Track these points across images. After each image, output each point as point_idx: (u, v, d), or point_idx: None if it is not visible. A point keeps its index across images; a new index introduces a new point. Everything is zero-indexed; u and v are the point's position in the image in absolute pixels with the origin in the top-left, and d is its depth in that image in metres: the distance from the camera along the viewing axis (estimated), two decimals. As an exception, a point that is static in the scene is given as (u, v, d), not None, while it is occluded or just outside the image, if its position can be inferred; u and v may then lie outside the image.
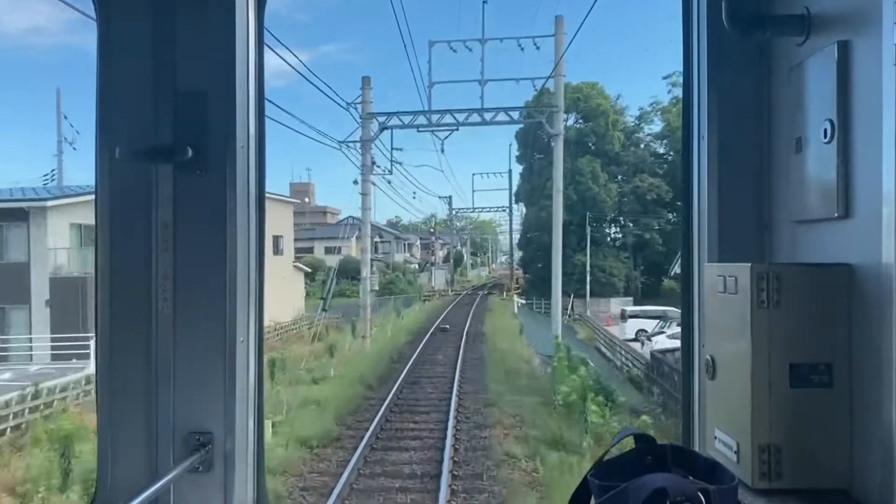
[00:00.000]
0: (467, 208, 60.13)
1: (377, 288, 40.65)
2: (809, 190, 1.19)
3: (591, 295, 40.48)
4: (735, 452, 1.11)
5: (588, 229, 41.78)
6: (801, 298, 1.05)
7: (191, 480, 1.28)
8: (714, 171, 1.37)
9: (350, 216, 64.30)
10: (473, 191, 61.46)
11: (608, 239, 46.95)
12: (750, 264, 1.09)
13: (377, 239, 62.96)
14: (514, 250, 61.75)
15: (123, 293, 1.31)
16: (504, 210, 57.37)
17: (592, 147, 49.48)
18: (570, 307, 43.01)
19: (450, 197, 57.76)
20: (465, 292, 48.70)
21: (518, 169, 59.54)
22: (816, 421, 1.06)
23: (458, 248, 74.98)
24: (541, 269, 54.21)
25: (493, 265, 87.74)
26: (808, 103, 1.19)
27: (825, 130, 1.11)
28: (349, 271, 47.27)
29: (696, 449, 1.32)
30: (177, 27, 1.30)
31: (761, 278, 1.04)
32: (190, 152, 1.26)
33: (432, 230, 51.86)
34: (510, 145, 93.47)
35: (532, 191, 52.52)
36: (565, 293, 48.08)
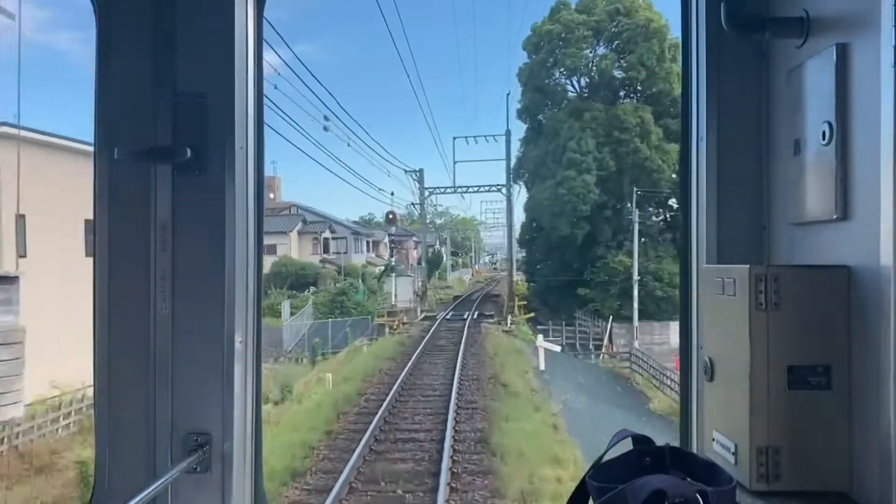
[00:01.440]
0: (445, 188, 56.64)
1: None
2: (808, 192, 1.77)
3: (641, 317, 37.35)
4: (733, 454, 1.65)
5: (635, 214, 38.80)
6: (800, 300, 1.58)
7: (189, 481, 1.90)
8: (713, 172, 2.03)
9: (293, 204, 60.08)
10: (455, 162, 61.31)
11: (664, 229, 43.68)
12: (748, 266, 1.63)
13: (328, 235, 59.45)
14: (509, 249, 57.51)
15: (122, 293, 1.94)
16: (498, 189, 54.38)
17: (638, 88, 46.12)
18: (607, 336, 37.63)
19: (420, 171, 52.44)
20: (442, 315, 43.52)
21: (519, 133, 54.37)
22: (815, 423, 1.56)
23: (437, 247, 78.80)
24: (553, 273, 47.55)
25: (477, 266, 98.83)
26: (807, 105, 1.78)
27: (824, 132, 1.66)
28: (286, 278, 44.05)
29: (695, 450, 1.94)
30: (176, 28, 1.93)
31: (760, 280, 1.57)
32: (189, 153, 1.87)
33: (392, 215, 48.49)
34: (508, 94, 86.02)
35: (543, 158, 49.04)
36: (598, 313, 44.54)
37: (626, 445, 1.51)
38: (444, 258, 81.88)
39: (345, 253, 59.28)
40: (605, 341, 37.25)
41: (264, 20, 2.06)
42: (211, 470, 1.91)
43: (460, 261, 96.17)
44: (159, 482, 1.78)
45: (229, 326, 1.93)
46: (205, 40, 1.93)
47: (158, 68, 1.92)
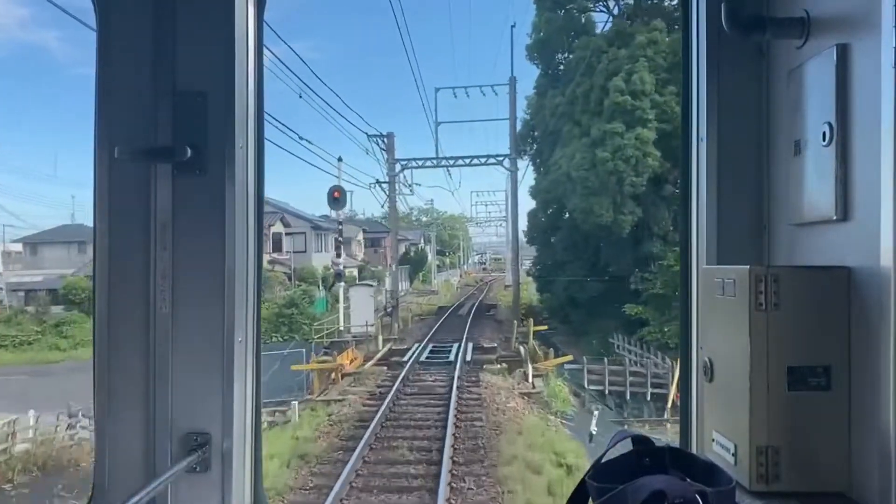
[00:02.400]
0: (424, 160, 50.70)
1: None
2: (808, 192, 2.26)
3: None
4: (733, 455, 2.16)
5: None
6: (800, 301, 2.08)
7: (188, 481, 2.43)
8: (713, 173, 2.54)
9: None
10: (437, 123, 55.37)
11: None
12: (748, 267, 2.11)
13: (279, 229, 59.18)
14: (514, 242, 53.34)
15: (122, 293, 2.45)
16: (499, 162, 48.87)
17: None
18: (675, 381, 29.02)
19: (388, 136, 48.53)
20: (416, 350, 35.08)
21: (528, 84, 50.37)
22: (814, 424, 2.06)
23: (422, 245, 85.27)
24: (581, 279, 40.84)
25: (465, 267, 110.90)
26: (807, 106, 2.26)
27: (824, 133, 2.16)
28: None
29: (694, 451, 2.46)
30: (176, 27, 2.41)
31: (760, 281, 2.09)
32: (189, 152, 2.39)
33: (336, 193, 43.81)
34: (512, 26, 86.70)
35: (569, 109, 43.19)
36: (651, 343, 34.49)
37: (626, 446, 1.92)
38: (429, 258, 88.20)
39: (302, 252, 59.63)
40: (673, 389, 30.95)
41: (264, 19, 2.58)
42: (210, 469, 2.48)
43: (447, 261, 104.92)
44: (159, 481, 2.30)
45: (229, 326, 2.48)
46: (205, 39, 2.47)
47: (158, 68, 2.46)
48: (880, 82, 1.93)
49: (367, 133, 48.25)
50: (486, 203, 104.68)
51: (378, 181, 49.84)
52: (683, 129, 2.84)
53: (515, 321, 41.83)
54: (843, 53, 2.20)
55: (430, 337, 40.30)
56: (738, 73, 2.66)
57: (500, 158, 49.25)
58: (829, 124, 2.23)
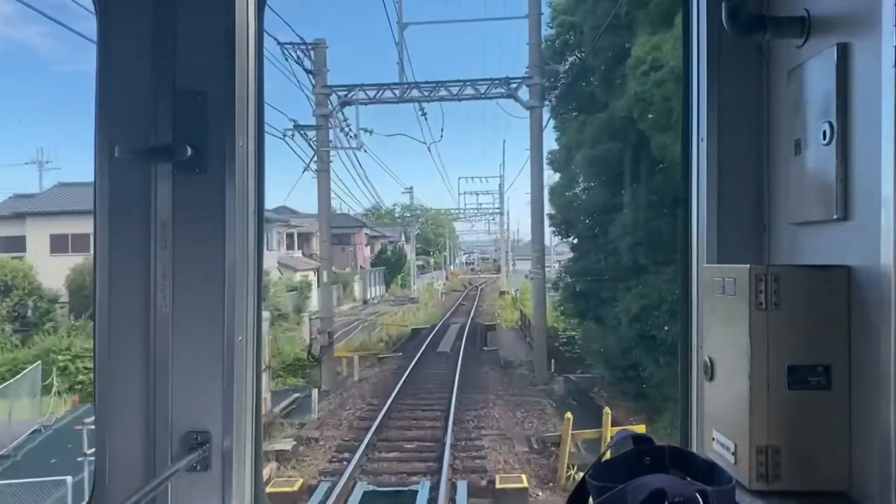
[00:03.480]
0: (381, 87, 39.37)
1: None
2: (808, 192, 3.15)
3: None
4: (733, 454, 3.11)
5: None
6: (800, 300, 2.98)
7: (188, 479, 3.29)
8: (714, 172, 3.45)
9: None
10: (401, 24, 44.49)
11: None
12: (749, 266, 2.96)
13: None
14: (536, 228, 41.27)
15: (122, 292, 3.29)
16: (508, 90, 38.17)
17: None
18: None
19: (313, 47, 40.59)
20: None
21: None
22: (815, 423, 2.95)
23: (401, 243, 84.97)
24: (672, 300, 21.54)
25: (452, 267, 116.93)
26: (808, 105, 3.17)
27: (824, 132, 3.06)
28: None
29: (695, 450, 3.38)
30: (177, 26, 3.19)
31: (760, 280, 3.01)
32: (189, 151, 3.16)
33: None
34: None
35: None
36: None
37: (627, 445, 2.44)
38: (409, 257, 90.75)
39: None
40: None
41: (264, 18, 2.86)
42: (211, 468, 3.12)
43: (432, 261, 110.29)
44: (159, 480, 2.83)
45: (229, 324, 3.06)
46: (205, 38, 3.05)
47: (159, 66, 3.03)
48: (880, 82, 2.44)
49: (276, 39, 34.87)
50: (476, 192, 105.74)
51: (297, 125, 38.27)
52: (683, 129, 3.53)
53: (570, 434, 26.66)
54: (844, 53, 2.80)
55: (378, 425, 28.80)
56: (738, 72, 3.32)
57: (515, 84, 37.39)
58: (830, 124, 2.83)
